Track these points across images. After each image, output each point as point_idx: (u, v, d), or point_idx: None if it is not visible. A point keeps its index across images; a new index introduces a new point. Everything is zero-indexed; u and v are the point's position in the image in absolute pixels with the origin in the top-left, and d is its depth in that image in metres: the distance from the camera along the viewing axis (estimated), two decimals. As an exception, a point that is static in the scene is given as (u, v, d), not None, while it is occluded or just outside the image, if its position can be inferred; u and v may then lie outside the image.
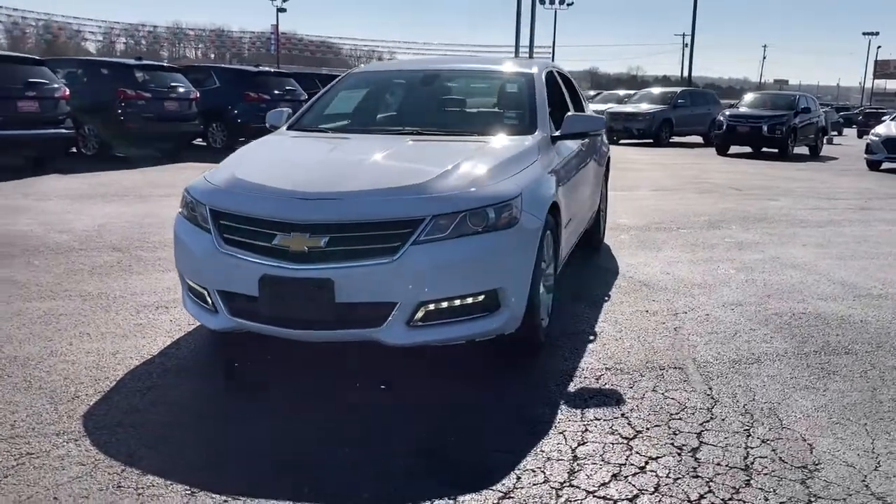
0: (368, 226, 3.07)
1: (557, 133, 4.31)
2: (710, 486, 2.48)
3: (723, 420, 3.00)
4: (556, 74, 5.43)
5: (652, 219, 8.14)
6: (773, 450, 2.75)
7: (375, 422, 2.94)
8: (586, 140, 5.18)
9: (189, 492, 2.39)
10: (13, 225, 6.75)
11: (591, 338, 4.01)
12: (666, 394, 3.26)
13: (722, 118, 19.00)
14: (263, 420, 2.95)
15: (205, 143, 15.58)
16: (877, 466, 2.66)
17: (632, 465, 2.62)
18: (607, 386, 3.33)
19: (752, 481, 2.52)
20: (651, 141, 21.62)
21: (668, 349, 3.87)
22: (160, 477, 2.47)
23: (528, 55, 35.42)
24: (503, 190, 3.28)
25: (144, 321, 4.12)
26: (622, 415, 3.03)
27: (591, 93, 35.02)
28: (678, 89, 24.30)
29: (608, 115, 18.57)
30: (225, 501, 2.35)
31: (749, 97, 21.17)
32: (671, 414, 3.05)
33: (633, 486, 2.47)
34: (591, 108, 6.95)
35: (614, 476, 2.53)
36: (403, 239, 3.04)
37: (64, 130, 10.84)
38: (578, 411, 3.05)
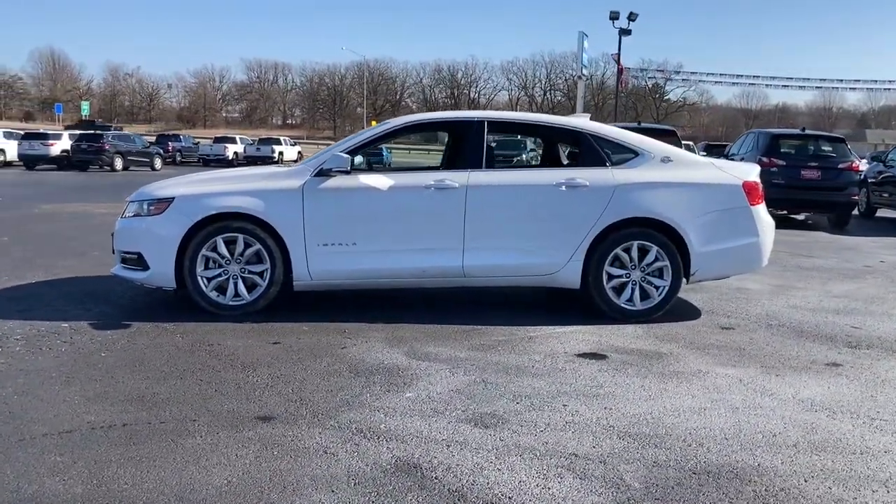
0: (126, 203, 5.47)
1: (322, 168, 5.25)
2: None
3: None
4: (435, 124, 6.32)
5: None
6: None
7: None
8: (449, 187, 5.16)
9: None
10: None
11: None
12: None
13: None
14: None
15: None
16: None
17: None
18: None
19: None
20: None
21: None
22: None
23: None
24: (159, 194, 5.27)
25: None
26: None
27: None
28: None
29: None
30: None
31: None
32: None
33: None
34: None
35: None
36: (124, 214, 5.38)
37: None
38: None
